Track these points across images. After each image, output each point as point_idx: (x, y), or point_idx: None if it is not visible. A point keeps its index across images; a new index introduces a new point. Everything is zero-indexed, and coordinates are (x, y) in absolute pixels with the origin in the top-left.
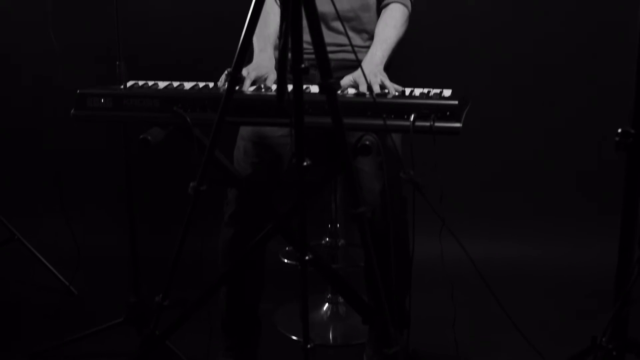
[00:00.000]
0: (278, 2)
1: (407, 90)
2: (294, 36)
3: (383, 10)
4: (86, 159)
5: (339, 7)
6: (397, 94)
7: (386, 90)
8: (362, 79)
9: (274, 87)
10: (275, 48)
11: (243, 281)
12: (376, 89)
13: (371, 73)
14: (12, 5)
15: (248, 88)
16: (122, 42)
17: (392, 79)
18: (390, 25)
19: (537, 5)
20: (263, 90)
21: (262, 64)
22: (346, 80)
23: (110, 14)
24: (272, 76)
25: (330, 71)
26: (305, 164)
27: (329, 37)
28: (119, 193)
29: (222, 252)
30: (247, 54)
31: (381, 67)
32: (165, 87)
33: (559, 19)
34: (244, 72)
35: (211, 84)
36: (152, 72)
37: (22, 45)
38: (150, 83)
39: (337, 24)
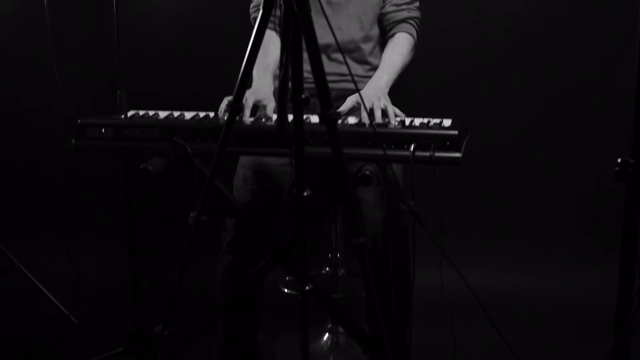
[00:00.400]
0: (278, 33)
1: (407, 120)
2: (294, 67)
3: (390, 39)
4: (87, 187)
5: (339, 38)
6: (397, 122)
7: (387, 120)
8: (365, 101)
9: (274, 117)
10: (275, 77)
11: (241, 309)
12: (378, 114)
13: (375, 96)
14: (13, 30)
15: (248, 117)
16: (123, 69)
17: (394, 105)
18: (397, 53)
19: (537, 32)
20: (263, 120)
21: (261, 89)
22: (349, 102)
23: (111, 38)
24: (271, 104)
25: (330, 101)
26: (305, 194)
27: (330, 66)
28: (120, 222)
29: (220, 279)
30: (247, 85)
31: (386, 90)
32: (166, 117)
33: (557, 41)
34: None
35: (211, 114)
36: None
37: (22, 73)
38: (151, 113)
39: (338, 55)
